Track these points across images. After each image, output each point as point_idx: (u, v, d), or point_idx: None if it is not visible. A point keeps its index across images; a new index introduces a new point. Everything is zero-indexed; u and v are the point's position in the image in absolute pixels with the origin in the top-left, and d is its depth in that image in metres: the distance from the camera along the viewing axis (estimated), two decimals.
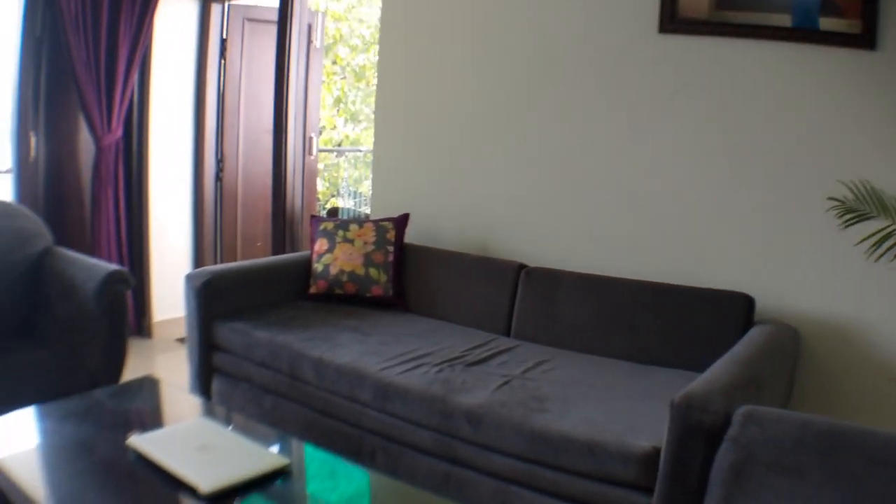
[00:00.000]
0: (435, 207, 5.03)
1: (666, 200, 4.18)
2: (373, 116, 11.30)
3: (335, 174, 11.45)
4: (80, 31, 5.48)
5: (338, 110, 12.04)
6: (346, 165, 11.53)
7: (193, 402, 3.74)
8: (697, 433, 2.65)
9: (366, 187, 11.33)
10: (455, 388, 3.43)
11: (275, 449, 2.98)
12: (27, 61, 5.63)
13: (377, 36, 12.01)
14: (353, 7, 12.15)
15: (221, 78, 6.44)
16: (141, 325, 6.28)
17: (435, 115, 5.03)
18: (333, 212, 9.87)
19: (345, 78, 12.22)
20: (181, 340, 6.13)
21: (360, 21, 12.21)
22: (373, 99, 12.40)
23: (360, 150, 11.55)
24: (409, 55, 5.16)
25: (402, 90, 5.21)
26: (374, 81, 12.45)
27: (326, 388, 3.78)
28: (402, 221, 4.76)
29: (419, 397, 3.42)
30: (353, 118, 12.29)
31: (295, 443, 3.16)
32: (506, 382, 3.48)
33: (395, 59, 5.27)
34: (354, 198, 11.21)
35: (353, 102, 12.30)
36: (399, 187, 5.23)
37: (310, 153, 6.13)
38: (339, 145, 11.92)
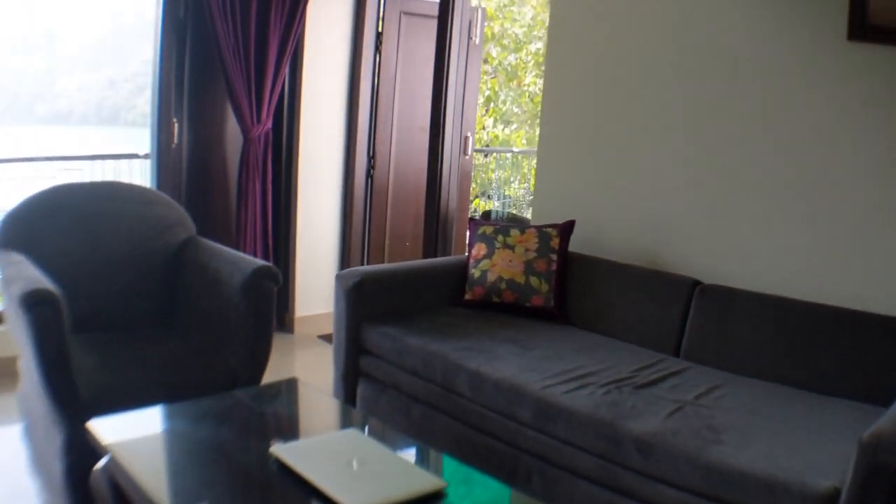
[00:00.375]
0: (600, 215, 4.80)
1: (850, 220, 3.87)
2: (523, 117, 11.17)
3: (483, 175, 11.33)
4: (228, 18, 5.45)
5: (487, 110, 11.95)
6: (493, 166, 11.39)
7: (338, 409, 3.60)
8: (884, 475, 2.42)
9: (513, 189, 11.21)
10: (624, 412, 3.21)
11: (427, 466, 2.83)
12: (168, 45, 5.66)
13: (530, 35, 11.96)
14: (504, 5, 12.05)
15: (376, 72, 6.34)
16: (282, 320, 6.27)
17: (604, 118, 4.81)
18: (486, 215, 9.72)
19: (495, 77, 12.12)
20: (323, 337, 6.12)
21: (514, 20, 12.11)
22: (523, 99, 12.38)
23: (512, 151, 11.42)
24: (579, 55, 4.95)
25: (570, 92, 5.01)
26: (526, 81, 12.42)
27: (482, 402, 3.61)
28: (566, 228, 4.54)
29: (585, 421, 3.22)
30: (503, 118, 12.19)
31: (448, 461, 2.99)
32: (678, 409, 3.25)
33: (564, 60, 5.07)
34: (500, 199, 11.07)
35: (504, 102, 12.21)
36: (563, 192, 5.03)
37: (465, 153, 5.99)
38: (487, 146, 11.82)
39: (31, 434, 4.12)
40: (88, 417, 3.05)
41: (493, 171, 11.30)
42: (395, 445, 3.03)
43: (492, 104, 12.00)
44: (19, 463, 4.08)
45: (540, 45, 11.71)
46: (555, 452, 3.33)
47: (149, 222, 4.40)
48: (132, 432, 2.96)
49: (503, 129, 12.11)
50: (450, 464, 2.99)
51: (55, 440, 3.44)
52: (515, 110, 11.98)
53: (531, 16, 12.13)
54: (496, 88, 12.10)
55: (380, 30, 6.28)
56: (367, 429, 3.20)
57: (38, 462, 4.00)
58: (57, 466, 3.47)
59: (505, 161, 11.40)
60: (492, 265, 4.45)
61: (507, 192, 11.20)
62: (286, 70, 5.82)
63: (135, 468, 2.62)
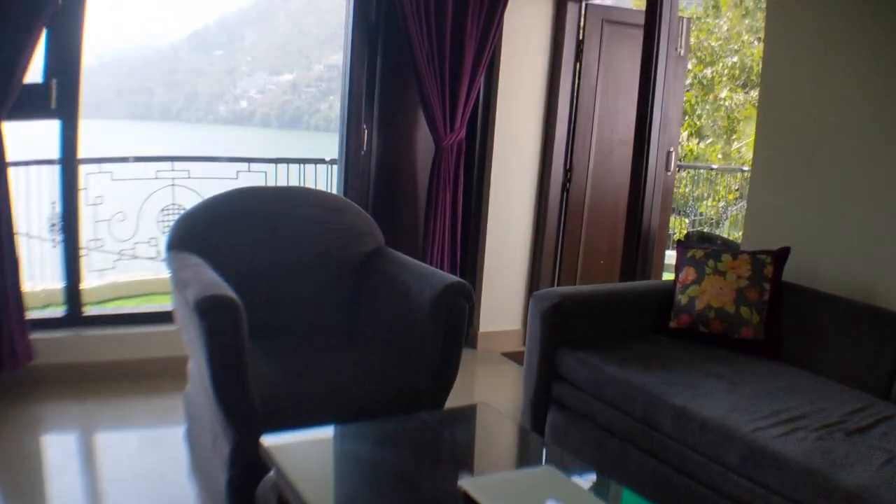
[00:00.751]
0: (815, 242, 4.54)
1: None
2: (718, 132, 10.93)
3: (675, 190, 11.12)
4: (423, 23, 5.40)
5: (682, 123, 11.75)
6: (687, 181, 11.15)
7: (529, 440, 3.47)
8: None
9: (705, 206, 10.98)
10: (836, 461, 2.98)
11: None
12: (359, 49, 5.69)
13: (726, 48, 11.75)
14: (700, 17, 11.87)
15: (575, 82, 6.21)
16: (466, 334, 6.14)
17: (826, 141, 4.54)
18: (701, 237, 9.45)
19: (690, 90, 11.91)
20: (507, 355, 6.07)
21: (710, 32, 11.91)
22: (719, 113, 12.14)
23: (711, 168, 11.18)
24: (798, 72, 4.70)
25: (788, 111, 4.76)
26: (721, 95, 12.20)
27: (685, 441, 3.42)
28: (781, 255, 4.30)
29: (796, 469, 3.00)
30: (698, 133, 11.98)
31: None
32: (889, 459, 3.00)
33: (781, 78, 4.83)
34: (690, 216, 10.82)
35: (699, 117, 11.99)
36: (777, 216, 4.79)
37: (667, 169, 5.80)
38: (681, 160, 11.60)
39: (193, 438, 4.16)
40: (259, 429, 3.04)
41: (685, 186, 11.07)
42: (593, 486, 2.90)
43: (686, 117, 11.79)
44: (180, 466, 4.16)
45: (735, 58, 11.49)
46: (761, 501, 3.11)
47: (336, 230, 4.40)
48: (305, 451, 2.94)
49: (698, 144, 11.90)
50: None
51: (222, 448, 3.44)
52: (711, 125, 11.74)
53: (727, 28, 11.91)
54: (692, 102, 11.89)
55: (580, 38, 6.14)
56: (560, 463, 3.07)
57: (199, 467, 4.05)
58: (220, 475, 3.49)
59: (699, 177, 11.15)
60: (700, 292, 4.27)
61: (700, 210, 10.95)
62: (482, 78, 5.75)
63: (306, 490, 2.57)
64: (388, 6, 5.58)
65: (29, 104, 4.90)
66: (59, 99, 5.00)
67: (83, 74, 5.04)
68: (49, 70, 4.98)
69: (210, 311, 3.23)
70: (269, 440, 2.88)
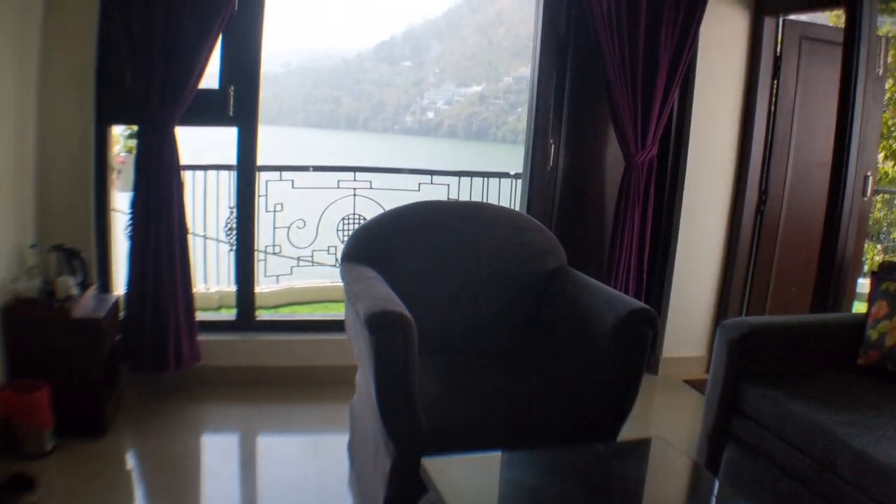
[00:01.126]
0: None
1: None
2: None
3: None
4: (614, 35, 5.29)
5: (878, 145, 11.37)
6: (881, 206, 10.75)
7: (707, 482, 3.28)
8: None
9: None
10: None
11: None
12: (548, 61, 5.64)
13: None
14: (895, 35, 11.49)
15: (772, 100, 6.00)
16: (648, 359, 6.00)
17: None
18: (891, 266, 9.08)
19: (887, 110, 11.49)
20: (689, 382, 5.92)
21: None
22: None
23: None
24: None
25: None
26: None
27: (863, 488, 3.20)
28: None
29: None
30: (894, 155, 11.56)
31: None
32: None
33: None
34: (883, 242, 10.41)
35: None
36: None
37: (863, 194, 5.55)
38: (876, 184, 11.21)
39: (355, 449, 4.17)
40: (422, 449, 3.00)
41: (879, 211, 10.67)
42: None
43: (883, 139, 11.37)
44: (339, 477, 4.20)
45: None
46: None
47: (517, 248, 4.33)
48: (467, 475, 2.88)
49: (893, 166, 11.47)
50: None
51: (382, 464, 3.43)
52: None
53: None
54: (889, 123, 11.47)
55: (777, 54, 5.94)
56: None
57: (358, 479, 4.06)
58: (379, 491, 3.47)
59: (894, 202, 10.74)
60: (892, 327, 4.02)
61: (893, 236, 10.57)
62: (676, 93, 5.60)
63: None
64: (579, 18, 5.48)
65: (205, 110, 5.07)
66: (236, 106, 5.13)
67: (266, 81, 5.15)
68: (225, 77, 5.12)
69: (380, 327, 3.21)
70: (430, 461, 2.84)
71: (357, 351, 3.76)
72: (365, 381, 3.67)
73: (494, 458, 3.04)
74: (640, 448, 3.36)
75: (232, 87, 5.10)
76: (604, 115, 5.64)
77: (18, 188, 4.55)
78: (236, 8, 4.89)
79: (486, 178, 7.29)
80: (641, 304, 3.71)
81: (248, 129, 5.22)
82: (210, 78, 4.86)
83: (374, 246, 4.16)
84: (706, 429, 4.08)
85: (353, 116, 45.41)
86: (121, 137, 6.58)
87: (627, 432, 3.71)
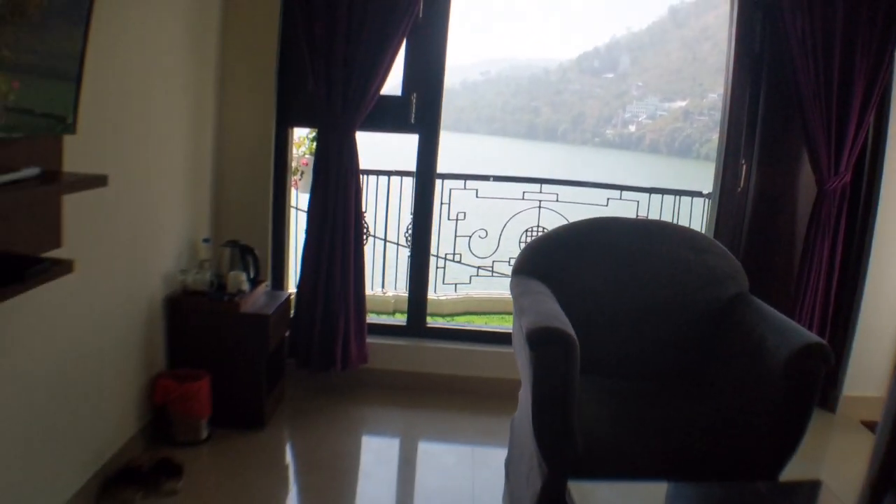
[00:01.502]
0: None
1: None
2: None
3: None
4: (809, 54, 5.14)
5: None
6: None
7: None
8: None
9: None
10: None
11: None
12: (741, 79, 5.53)
13: None
14: None
15: None
16: (826, 396, 5.78)
17: None
18: None
19: None
20: (867, 424, 5.61)
21: None
22: None
23: None
24: None
25: None
26: None
27: None
28: None
29: None
30: None
31: None
32: None
33: None
34: None
35: None
36: None
37: None
38: None
39: (512, 465, 4.14)
40: (575, 471, 2.95)
41: None
42: None
43: None
44: (493, 490, 4.20)
45: None
46: None
47: (696, 271, 4.21)
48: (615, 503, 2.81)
49: None
50: None
51: (534, 482, 3.39)
52: None
53: None
54: None
55: None
56: None
57: (510, 495, 4.02)
58: None
59: None
60: None
61: None
62: (871, 117, 5.37)
63: None
64: (773, 36, 5.37)
65: (387, 116, 5.17)
66: (418, 113, 5.21)
67: (464, 89, 5.24)
68: (408, 84, 5.20)
69: (541, 343, 3.18)
70: (577, 485, 2.78)
71: (520, 365, 3.74)
72: (526, 396, 3.65)
73: (645, 488, 2.97)
74: (801, 490, 3.24)
75: (414, 95, 5.18)
76: (797, 138, 5.47)
77: (195, 185, 4.74)
78: (420, 15, 4.97)
79: (677, 196, 7.15)
80: (818, 338, 3.53)
81: (429, 137, 5.29)
82: (393, 86, 4.94)
83: (546, 260, 4.13)
84: (871, 475, 3.90)
85: (552, 127, 45.34)
86: (306, 139, 6.76)
87: (794, 472, 3.56)
